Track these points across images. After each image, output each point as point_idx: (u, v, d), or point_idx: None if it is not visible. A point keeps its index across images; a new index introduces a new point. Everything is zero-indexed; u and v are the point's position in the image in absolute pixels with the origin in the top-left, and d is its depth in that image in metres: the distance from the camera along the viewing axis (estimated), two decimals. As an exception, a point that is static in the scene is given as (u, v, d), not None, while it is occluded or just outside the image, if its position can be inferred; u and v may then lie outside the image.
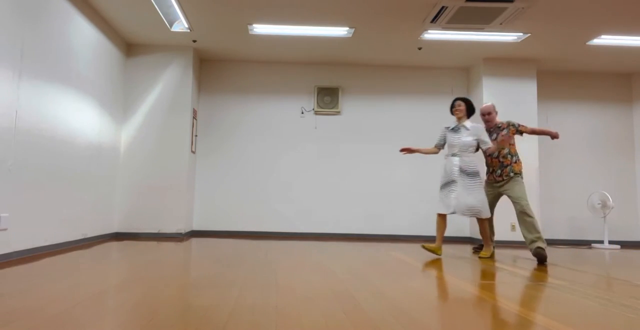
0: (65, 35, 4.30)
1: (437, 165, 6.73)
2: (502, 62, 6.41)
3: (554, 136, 4.44)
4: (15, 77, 3.49)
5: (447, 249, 5.27)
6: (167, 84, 6.07)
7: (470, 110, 4.44)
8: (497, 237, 6.14)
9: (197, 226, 6.49)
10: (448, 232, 6.62)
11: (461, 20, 4.96)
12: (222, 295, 2.33)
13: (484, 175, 4.76)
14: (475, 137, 4.31)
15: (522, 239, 6.14)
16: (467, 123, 4.38)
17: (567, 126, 6.90)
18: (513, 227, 6.16)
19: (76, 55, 4.54)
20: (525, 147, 6.30)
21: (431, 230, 6.61)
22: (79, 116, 4.63)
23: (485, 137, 4.33)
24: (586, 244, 6.63)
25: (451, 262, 3.98)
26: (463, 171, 4.25)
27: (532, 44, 5.77)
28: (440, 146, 4.51)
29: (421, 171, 6.71)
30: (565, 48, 5.90)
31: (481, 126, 4.37)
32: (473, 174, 4.24)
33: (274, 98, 6.71)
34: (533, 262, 4.21)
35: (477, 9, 4.65)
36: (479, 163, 4.43)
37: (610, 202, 6.16)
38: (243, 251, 4.42)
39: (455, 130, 4.41)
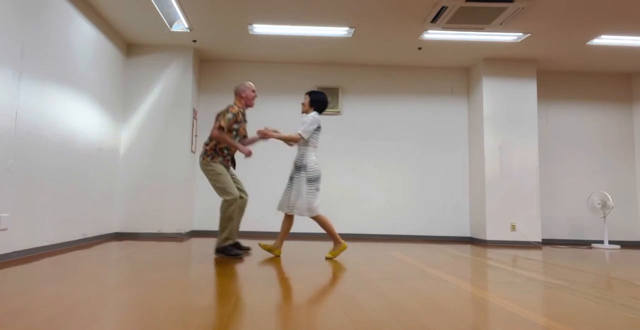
0: (65, 35, 4.29)
1: (437, 165, 6.73)
2: (502, 62, 6.41)
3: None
4: (15, 77, 3.49)
5: (446, 248, 5.27)
6: (167, 84, 6.07)
7: (316, 104, 4.13)
8: (496, 237, 6.15)
9: (197, 226, 6.49)
10: (448, 232, 6.62)
11: (461, 20, 4.96)
12: (222, 295, 2.33)
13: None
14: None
15: (522, 238, 6.14)
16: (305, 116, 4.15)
17: (567, 126, 6.90)
18: (513, 227, 6.17)
19: (76, 55, 4.54)
20: (525, 147, 6.30)
21: (430, 230, 6.61)
22: (79, 116, 4.63)
23: (304, 122, 4.04)
24: (586, 244, 6.63)
25: (451, 262, 3.98)
26: (294, 165, 4.09)
27: (532, 44, 5.77)
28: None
29: (422, 171, 6.71)
30: (565, 48, 5.90)
31: (314, 114, 4.08)
32: (297, 168, 4.04)
33: (274, 98, 6.71)
34: (533, 262, 4.21)
35: (477, 9, 4.65)
36: (312, 156, 4.06)
37: (610, 202, 6.17)
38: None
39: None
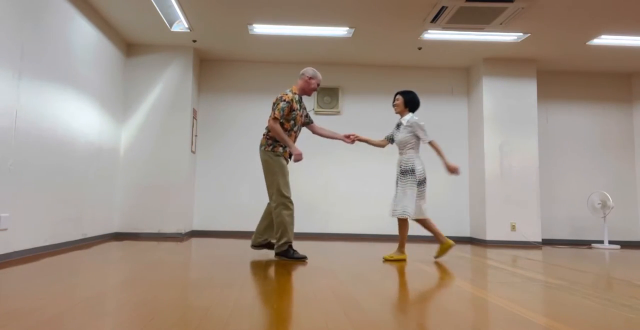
0: (65, 35, 4.29)
1: (437, 165, 6.73)
2: (502, 62, 6.41)
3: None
4: (15, 77, 3.49)
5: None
6: (167, 84, 6.07)
7: (410, 104, 4.12)
8: (496, 237, 6.15)
9: (197, 226, 6.49)
10: (448, 232, 6.62)
11: (461, 20, 4.96)
12: (222, 295, 2.33)
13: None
14: (411, 132, 4.03)
15: (522, 238, 6.14)
16: (406, 118, 4.08)
17: (567, 126, 6.90)
18: (513, 227, 6.16)
19: (76, 55, 4.54)
20: (525, 147, 6.30)
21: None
22: (79, 116, 4.63)
23: (422, 129, 4.01)
24: (586, 244, 6.63)
25: (451, 262, 3.98)
26: (400, 169, 4.05)
27: (532, 44, 5.77)
28: (388, 139, 4.24)
29: (421, 171, 6.71)
30: (565, 48, 5.90)
31: (418, 119, 4.04)
32: (405, 172, 3.99)
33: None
34: (533, 262, 4.21)
35: (477, 9, 4.65)
36: (420, 160, 4.05)
37: (610, 202, 6.16)
38: (243, 251, 4.42)
39: (397, 126, 4.17)
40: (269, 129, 3.87)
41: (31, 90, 3.73)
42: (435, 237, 4.13)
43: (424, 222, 4.03)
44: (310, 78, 3.96)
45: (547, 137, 6.86)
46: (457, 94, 6.86)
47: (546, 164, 6.82)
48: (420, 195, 4.00)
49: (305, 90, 3.99)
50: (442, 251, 4.13)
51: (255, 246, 4.08)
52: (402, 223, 4.07)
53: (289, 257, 3.84)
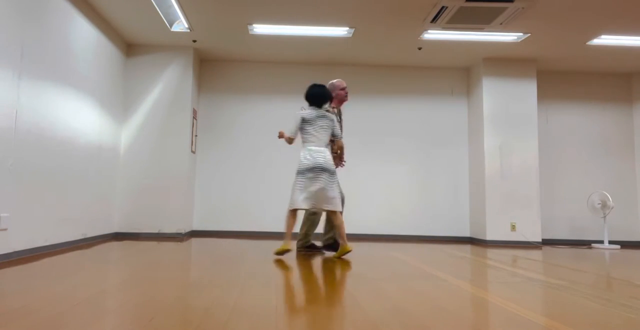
0: (65, 35, 4.30)
1: (437, 165, 6.73)
2: (502, 62, 6.41)
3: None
4: (15, 77, 3.49)
5: (446, 248, 5.27)
6: (167, 84, 6.07)
7: (306, 97, 4.21)
8: (496, 237, 6.15)
9: (197, 226, 6.49)
10: (448, 232, 6.63)
11: (461, 20, 4.96)
12: (222, 295, 2.33)
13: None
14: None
15: (522, 238, 6.14)
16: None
17: (567, 126, 6.90)
18: (513, 227, 6.17)
19: (76, 55, 4.54)
20: (525, 147, 6.30)
21: (430, 230, 6.61)
22: (79, 116, 4.63)
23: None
24: (586, 244, 6.63)
25: (451, 262, 3.98)
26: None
27: (532, 44, 5.77)
28: None
29: (422, 171, 6.71)
30: (565, 48, 5.90)
31: (300, 111, 4.16)
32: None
33: (274, 98, 6.71)
34: (533, 262, 4.21)
35: (477, 9, 4.66)
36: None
37: (610, 202, 6.16)
38: (243, 251, 4.42)
39: None
40: (335, 149, 4.34)
41: (31, 90, 3.73)
42: (285, 234, 4.02)
43: (293, 214, 4.00)
44: (332, 91, 4.44)
45: (547, 137, 6.86)
46: (457, 94, 6.86)
47: (546, 164, 6.82)
48: (296, 184, 3.98)
49: (342, 100, 4.52)
50: (280, 251, 3.96)
51: (325, 247, 4.53)
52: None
53: (335, 249, 4.39)
